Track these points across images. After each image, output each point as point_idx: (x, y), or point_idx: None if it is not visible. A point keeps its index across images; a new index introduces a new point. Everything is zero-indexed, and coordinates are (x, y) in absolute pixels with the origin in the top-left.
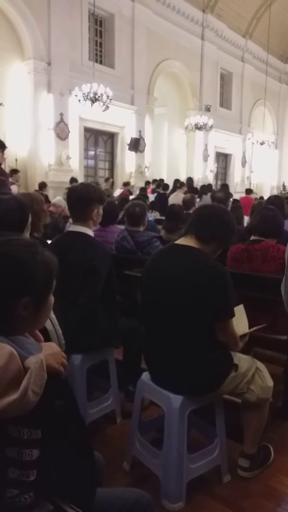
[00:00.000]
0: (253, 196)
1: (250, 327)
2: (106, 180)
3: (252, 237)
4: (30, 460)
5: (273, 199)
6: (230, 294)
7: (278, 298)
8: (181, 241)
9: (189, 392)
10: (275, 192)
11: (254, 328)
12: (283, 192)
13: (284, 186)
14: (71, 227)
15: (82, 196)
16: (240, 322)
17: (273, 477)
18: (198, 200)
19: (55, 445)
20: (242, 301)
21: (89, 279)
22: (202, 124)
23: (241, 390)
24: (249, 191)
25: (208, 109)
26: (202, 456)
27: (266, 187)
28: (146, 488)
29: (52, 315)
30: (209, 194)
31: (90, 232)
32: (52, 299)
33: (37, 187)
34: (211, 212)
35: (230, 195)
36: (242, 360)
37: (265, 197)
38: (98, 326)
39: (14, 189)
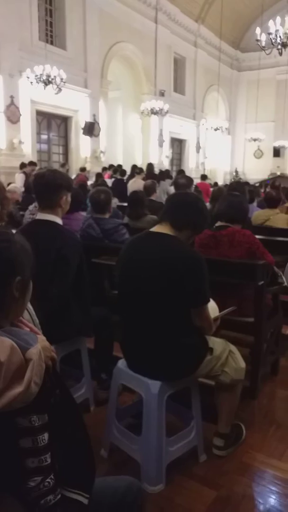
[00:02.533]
0: (207, 182)
1: (219, 311)
2: (62, 165)
3: (218, 223)
4: (44, 444)
5: (235, 185)
6: (206, 279)
7: (245, 282)
8: (156, 228)
9: (167, 377)
10: (228, 178)
11: (225, 312)
12: (235, 177)
13: (236, 172)
14: (38, 215)
15: (50, 183)
16: (211, 307)
17: (246, 454)
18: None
19: (55, 432)
20: (210, 286)
21: (60, 269)
22: (158, 109)
23: (216, 373)
24: (204, 177)
25: (162, 94)
26: (179, 438)
27: (220, 173)
28: (125, 473)
29: (29, 305)
30: (167, 180)
31: (58, 220)
32: (31, 284)
33: None
34: (185, 200)
35: (192, 181)
36: (217, 344)
37: (219, 183)
38: (70, 316)
39: None
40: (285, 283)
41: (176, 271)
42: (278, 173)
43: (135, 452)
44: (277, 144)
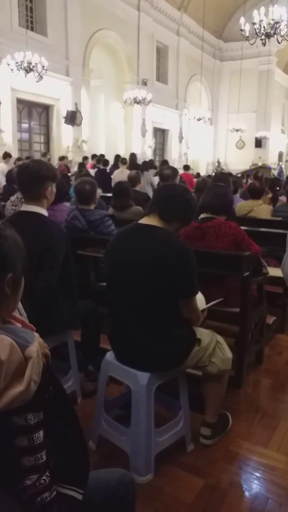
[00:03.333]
0: (190, 172)
1: (206, 301)
2: (44, 154)
3: (204, 215)
4: (40, 442)
5: (220, 176)
6: (195, 271)
7: (230, 273)
8: (144, 220)
9: (155, 368)
10: (210, 169)
11: (212, 303)
12: (218, 168)
13: (219, 163)
14: (23, 206)
15: (34, 174)
16: (198, 298)
17: (233, 442)
18: None
19: (50, 429)
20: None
21: (46, 262)
22: (141, 98)
23: (204, 363)
24: (187, 168)
25: (144, 83)
26: (168, 429)
27: (202, 164)
28: (114, 464)
29: None
30: (150, 170)
31: (44, 211)
32: (23, 280)
33: None
34: (173, 192)
35: (177, 172)
36: (204, 334)
37: (202, 174)
38: (57, 309)
39: None
40: (269, 274)
41: (166, 263)
42: (260, 164)
43: (123, 443)
44: (258, 134)
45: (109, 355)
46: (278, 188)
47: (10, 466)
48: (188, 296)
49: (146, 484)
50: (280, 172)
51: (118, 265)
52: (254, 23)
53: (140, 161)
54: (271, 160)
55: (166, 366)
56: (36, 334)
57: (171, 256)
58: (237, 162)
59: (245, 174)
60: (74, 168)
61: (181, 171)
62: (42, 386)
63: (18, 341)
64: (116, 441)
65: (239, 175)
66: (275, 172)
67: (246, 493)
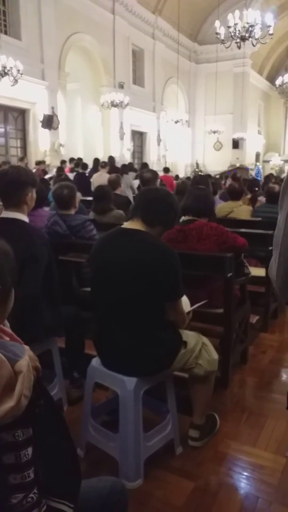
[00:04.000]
0: (170, 174)
1: (190, 304)
2: (21, 159)
3: (186, 217)
4: (28, 459)
5: (199, 178)
6: (179, 274)
7: (214, 274)
8: (128, 225)
9: (143, 373)
10: (189, 171)
11: (197, 305)
12: (196, 170)
13: (197, 164)
14: (3, 213)
15: (14, 180)
16: (183, 300)
17: (221, 443)
18: None
19: (40, 442)
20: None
21: (29, 269)
22: (118, 101)
23: (190, 365)
24: (166, 170)
25: (121, 86)
26: (156, 433)
27: (181, 166)
28: (103, 471)
29: None
30: (130, 173)
31: (25, 218)
32: (13, 292)
33: None
34: (156, 196)
35: (158, 175)
36: (190, 337)
37: (180, 176)
38: (41, 317)
39: None
40: (251, 273)
41: (151, 267)
42: (238, 165)
43: (112, 449)
44: (235, 136)
45: (95, 361)
46: (256, 189)
47: None
48: (174, 299)
49: (136, 489)
50: (258, 172)
51: (103, 270)
52: (229, 27)
53: (119, 164)
54: (248, 161)
55: (154, 370)
56: (27, 347)
57: (156, 260)
58: (215, 164)
59: (223, 175)
60: (53, 172)
61: (161, 174)
62: (33, 400)
63: (8, 355)
64: (105, 448)
65: (217, 176)
66: (253, 173)
67: (236, 493)
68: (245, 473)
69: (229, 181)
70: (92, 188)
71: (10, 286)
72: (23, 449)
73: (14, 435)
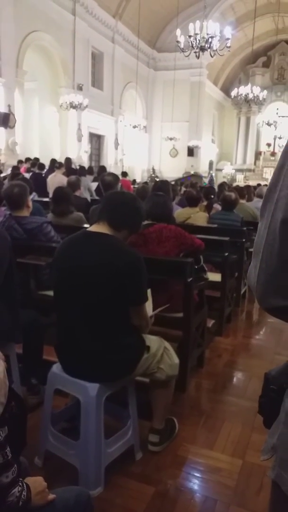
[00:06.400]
0: (127, 179)
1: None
2: None
3: (145, 222)
4: (10, 456)
5: (160, 184)
6: (145, 278)
7: (175, 279)
8: (93, 228)
9: (106, 378)
10: (146, 176)
11: (159, 309)
12: (152, 175)
13: (153, 170)
14: None
15: None
16: (146, 305)
17: (180, 447)
18: None
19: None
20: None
21: None
22: (77, 103)
23: (152, 370)
24: (125, 174)
25: (80, 88)
26: (117, 439)
27: (138, 170)
28: (62, 480)
29: None
30: (88, 176)
31: None
32: None
33: None
34: (122, 200)
35: (119, 179)
36: (152, 341)
37: (137, 180)
38: None
39: None
40: (209, 278)
41: (117, 271)
42: (192, 172)
43: (72, 457)
44: (191, 143)
45: (56, 367)
46: (212, 196)
47: None
48: (139, 303)
49: (97, 497)
50: (211, 180)
51: (68, 273)
52: (190, 36)
53: (76, 166)
54: (202, 168)
55: (117, 376)
56: None
57: (122, 264)
58: (171, 170)
59: (179, 181)
60: (8, 171)
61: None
62: (7, 404)
63: None
64: (64, 455)
65: (172, 182)
66: (206, 180)
67: (195, 497)
68: (204, 476)
69: (184, 188)
70: (48, 189)
71: None
72: (5, 447)
73: None
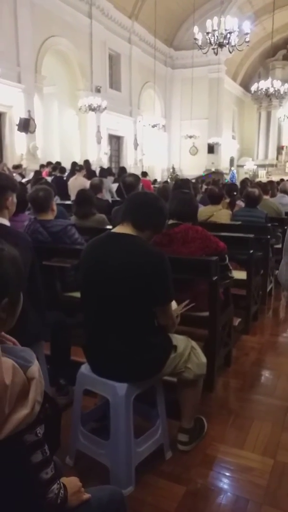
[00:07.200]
0: (147, 179)
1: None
2: None
3: (170, 221)
4: (48, 452)
5: (181, 183)
6: (170, 278)
7: (200, 278)
8: (118, 229)
9: (134, 378)
10: (166, 175)
11: (185, 308)
12: (173, 174)
13: (173, 169)
14: None
15: None
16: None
17: (210, 446)
18: None
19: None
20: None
21: None
22: (96, 105)
23: (180, 370)
24: (145, 174)
25: (98, 90)
26: (146, 438)
27: (157, 170)
28: (94, 479)
29: None
30: (109, 177)
31: (6, 222)
32: (21, 299)
33: None
34: (145, 200)
35: (140, 179)
36: (179, 341)
37: (158, 180)
38: (25, 322)
39: None
40: (234, 277)
41: (142, 271)
42: (213, 169)
43: (102, 456)
44: (211, 141)
45: (84, 368)
46: (235, 193)
47: (27, 487)
48: (164, 303)
49: (128, 496)
50: (232, 177)
51: (94, 274)
52: (207, 33)
53: (96, 167)
54: (223, 165)
55: (145, 375)
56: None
57: (147, 264)
58: (191, 168)
59: (199, 179)
60: (30, 176)
61: None
62: (42, 405)
63: (19, 361)
64: (95, 455)
65: (193, 180)
66: (228, 177)
67: (227, 496)
68: (234, 476)
69: (205, 186)
70: (69, 192)
71: (19, 294)
72: (45, 444)
73: (36, 433)
